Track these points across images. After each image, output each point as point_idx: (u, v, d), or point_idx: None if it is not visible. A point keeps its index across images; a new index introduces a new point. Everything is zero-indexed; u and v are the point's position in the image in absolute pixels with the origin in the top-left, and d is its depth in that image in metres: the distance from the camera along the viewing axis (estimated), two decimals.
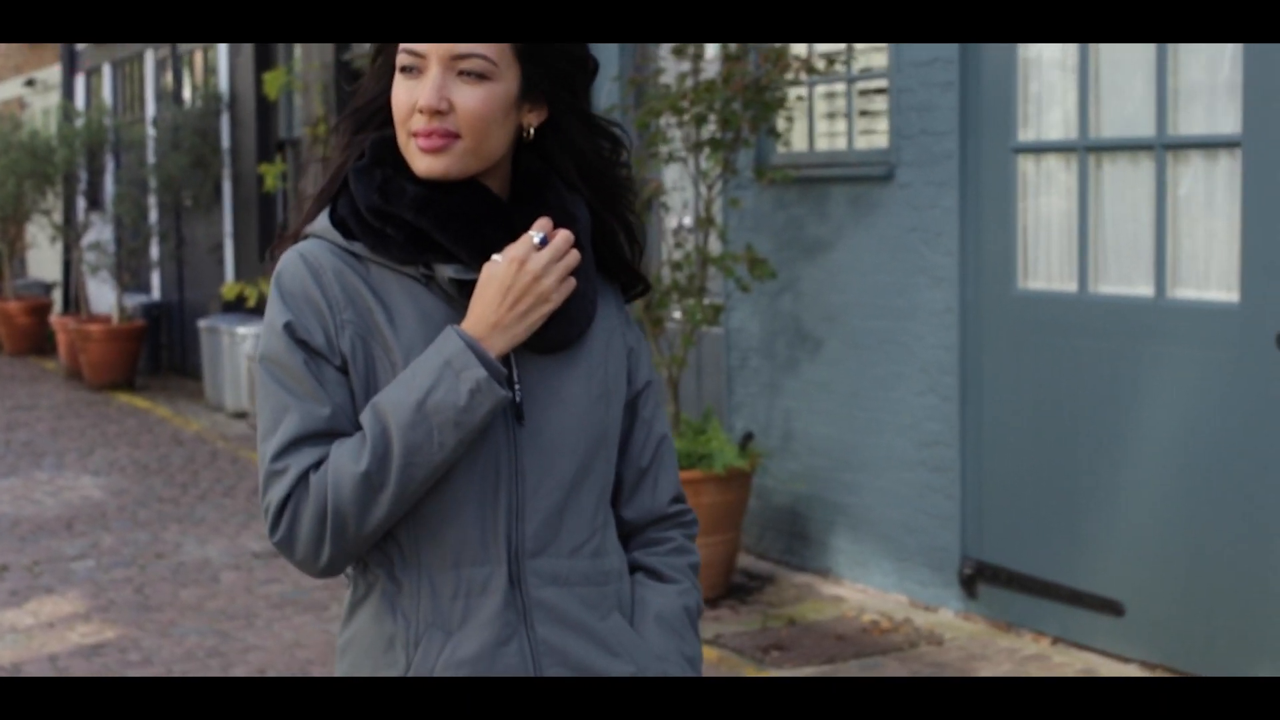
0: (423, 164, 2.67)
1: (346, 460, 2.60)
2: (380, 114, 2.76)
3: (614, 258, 2.88)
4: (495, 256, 2.67)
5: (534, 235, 2.69)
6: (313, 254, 2.71)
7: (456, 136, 2.66)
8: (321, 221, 2.76)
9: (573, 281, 2.71)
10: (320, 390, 2.65)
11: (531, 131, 2.77)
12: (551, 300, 2.68)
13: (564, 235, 2.70)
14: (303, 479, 2.61)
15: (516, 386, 2.71)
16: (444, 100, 2.64)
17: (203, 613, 8.79)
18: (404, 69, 2.69)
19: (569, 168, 2.80)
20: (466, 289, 2.70)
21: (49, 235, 21.13)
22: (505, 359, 2.69)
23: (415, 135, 2.67)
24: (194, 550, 10.27)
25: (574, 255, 2.71)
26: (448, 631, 2.68)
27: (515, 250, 2.67)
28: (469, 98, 2.65)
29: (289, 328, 2.66)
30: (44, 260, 25.02)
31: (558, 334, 2.73)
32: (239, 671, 7.68)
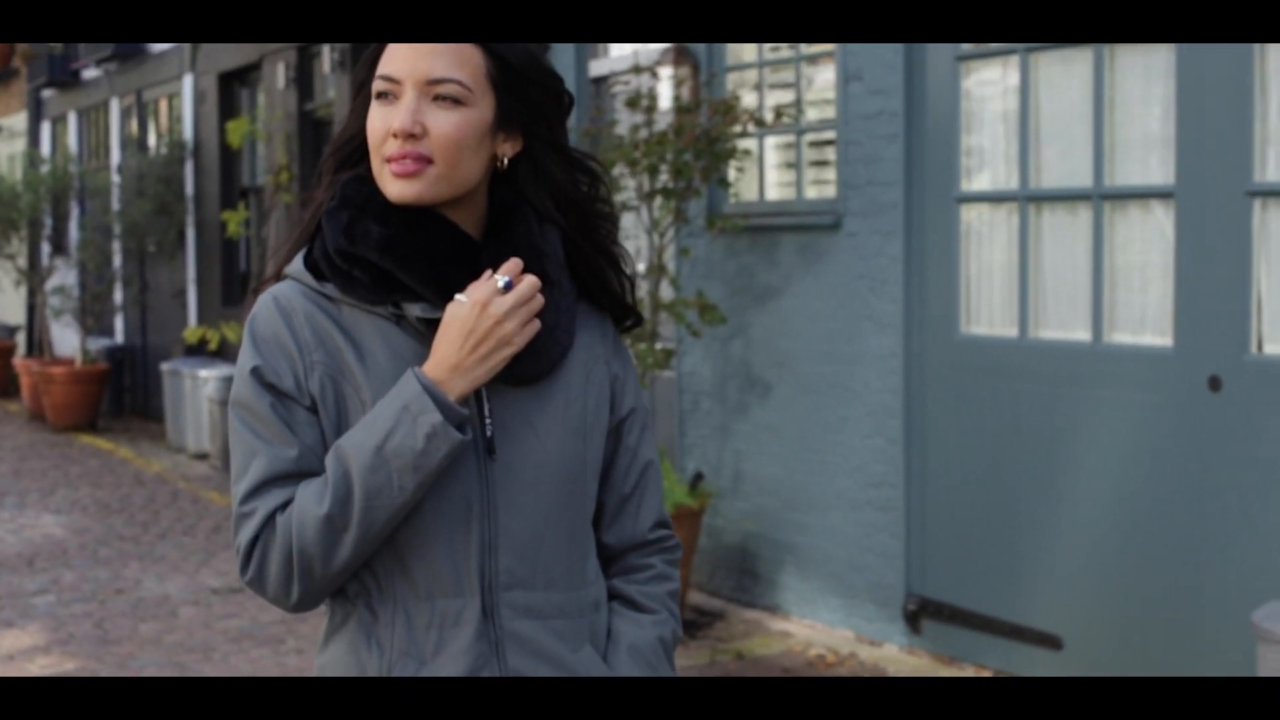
0: (395, 189, 2.67)
1: (310, 503, 2.62)
2: (360, 150, 2.76)
3: (599, 289, 2.88)
4: (459, 297, 2.67)
5: (499, 279, 2.68)
6: (285, 296, 2.73)
7: (429, 161, 2.66)
8: (296, 264, 2.77)
9: (536, 325, 2.70)
10: (287, 433, 2.67)
11: (505, 162, 2.77)
12: (513, 344, 2.67)
13: (529, 281, 2.69)
14: (269, 521, 2.64)
15: (488, 420, 2.71)
16: (418, 124, 2.64)
17: (161, 646, 8.92)
18: (380, 95, 2.69)
19: (544, 199, 2.80)
20: (435, 326, 2.70)
21: (13, 279, 21.26)
22: (476, 395, 2.70)
23: (389, 160, 2.67)
24: (153, 586, 10.40)
25: (538, 300, 2.70)
26: (421, 661, 2.70)
27: (479, 293, 2.66)
28: (443, 122, 2.65)
29: (256, 372, 2.69)
30: (8, 304, 25.10)
31: (528, 368, 2.73)
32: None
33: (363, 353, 2.70)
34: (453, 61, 2.67)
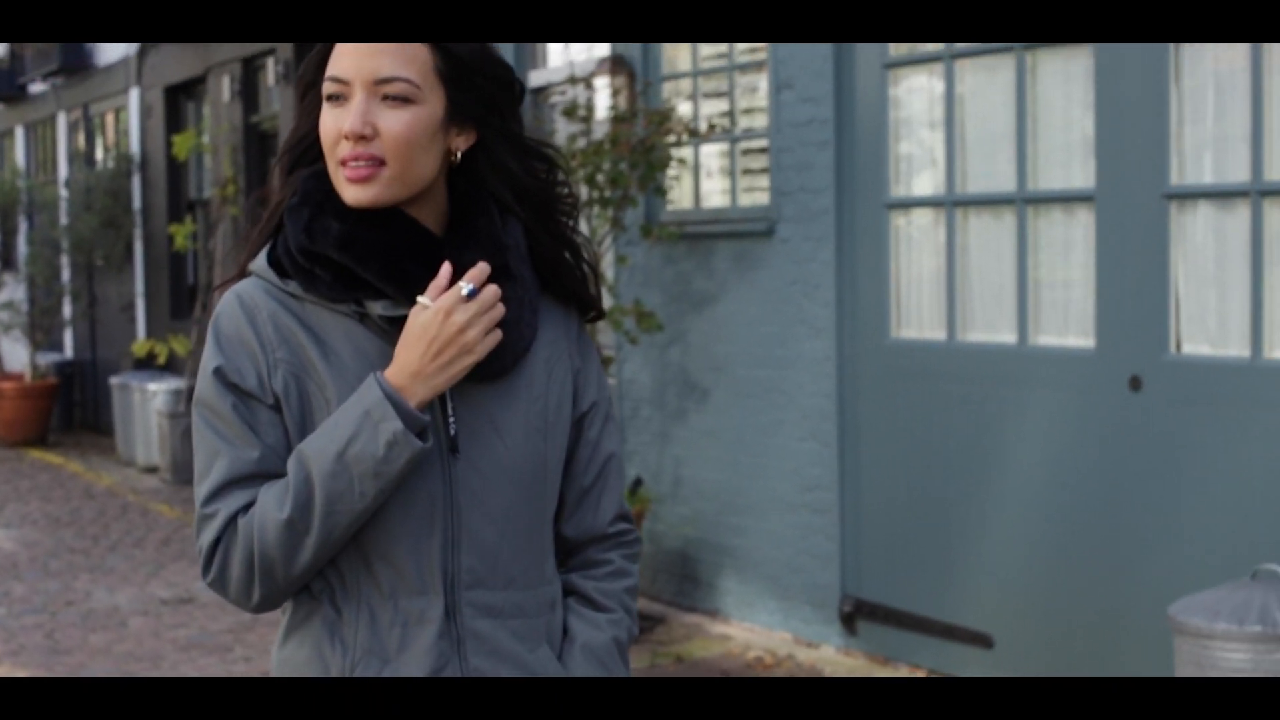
0: (350, 193, 2.66)
1: (271, 507, 2.62)
2: (313, 150, 2.75)
3: (558, 281, 2.87)
4: (422, 299, 2.65)
5: (463, 286, 2.66)
6: (249, 294, 2.73)
7: (382, 163, 2.64)
8: (259, 261, 2.76)
9: (498, 334, 2.68)
10: (249, 434, 2.67)
11: (459, 155, 2.75)
12: (475, 353, 2.65)
13: (491, 290, 2.68)
14: (231, 523, 2.64)
15: (451, 420, 2.70)
16: (368, 125, 2.63)
17: (110, 656, 9.02)
18: (330, 98, 2.68)
19: (503, 191, 2.78)
20: (399, 323, 2.69)
21: None
22: (440, 400, 2.70)
23: (343, 163, 2.66)
24: (103, 598, 10.49)
25: (500, 309, 2.68)
26: (384, 660, 2.70)
27: (443, 300, 2.64)
28: (393, 122, 2.64)
29: (219, 372, 2.68)
30: None
31: (491, 365, 2.71)
32: None
33: (327, 350, 2.70)
34: (400, 60, 2.66)
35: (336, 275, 2.68)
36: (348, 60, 2.66)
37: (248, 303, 2.72)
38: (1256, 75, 6.56)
